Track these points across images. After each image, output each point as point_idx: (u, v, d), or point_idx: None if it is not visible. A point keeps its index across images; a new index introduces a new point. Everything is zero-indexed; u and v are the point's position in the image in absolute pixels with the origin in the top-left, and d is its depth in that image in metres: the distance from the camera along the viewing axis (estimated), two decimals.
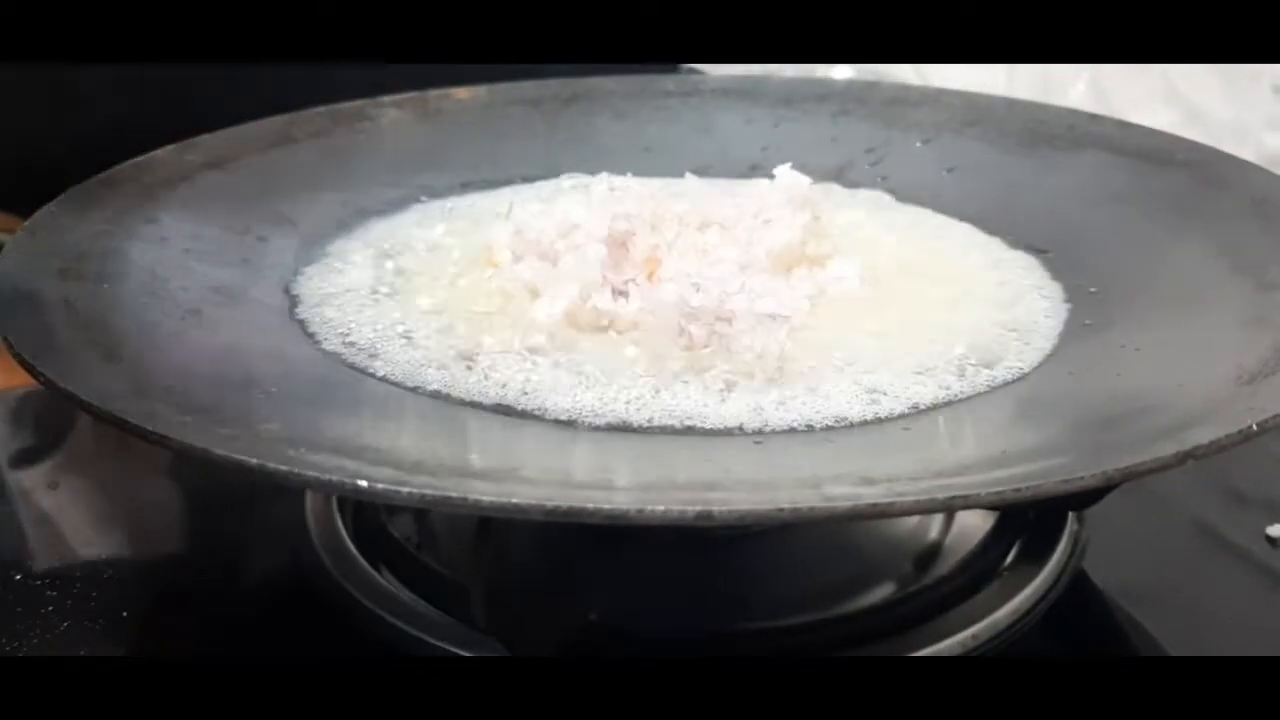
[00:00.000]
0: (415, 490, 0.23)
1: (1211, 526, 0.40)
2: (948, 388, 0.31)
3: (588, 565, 0.33)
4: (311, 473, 0.25)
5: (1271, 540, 0.38)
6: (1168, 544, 0.40)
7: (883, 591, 0.34)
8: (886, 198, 0.44)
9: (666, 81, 0.51)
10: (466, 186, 0.46)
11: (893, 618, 0.33)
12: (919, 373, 0.32)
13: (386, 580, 0.34)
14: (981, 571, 0.35)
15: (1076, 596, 0.36)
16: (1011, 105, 0.46)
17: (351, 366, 0.33)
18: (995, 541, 0.36)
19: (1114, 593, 0.37)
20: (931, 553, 0.36)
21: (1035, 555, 0.36)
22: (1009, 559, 0.36)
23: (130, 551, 0.40)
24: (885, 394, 0.31)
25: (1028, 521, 0.36)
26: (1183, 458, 0.25)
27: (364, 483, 0.24)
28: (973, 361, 0.33)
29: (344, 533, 0.36)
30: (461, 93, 0.49)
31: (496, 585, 0.32)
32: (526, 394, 0.31)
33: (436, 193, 0.45)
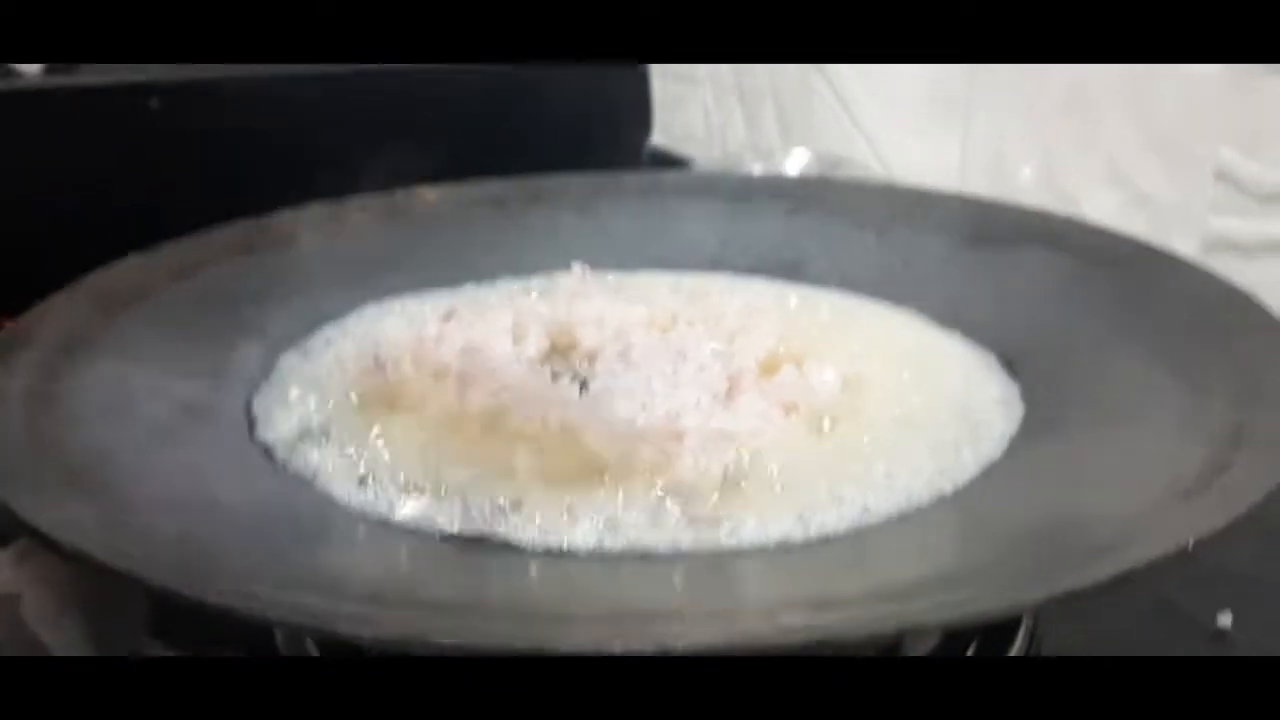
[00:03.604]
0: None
1: (1173, 607, 0.40)
2: (895, 501, 0.32)
3: None
4: (276, 614, 0.25)
5: (1220, 632, 0.39)
6: (1127, 628, 0.40)
7: None
8: (841, 294, 0.46)
9: (627, 179, 0.52)
10: (439, 284, 0.47)
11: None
12: (866, 486, 0.33)
13: None
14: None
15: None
16: (963, 202, 0.48)
17: (312, 488, 0.33)
18: (952, 635, 0.36)
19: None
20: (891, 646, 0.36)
21: (994, 649, 0.36)
22: (969, 653, 0.36)
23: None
24: (831, 510, 0.31)
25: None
26: (1118, 581, 0.26)
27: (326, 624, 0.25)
28: (922, 473, 0.33)
29: None
30: (428, 194, 0.50)
31: None
32: (472, 520, 0.31)
33: (405, 296, 0.46)
